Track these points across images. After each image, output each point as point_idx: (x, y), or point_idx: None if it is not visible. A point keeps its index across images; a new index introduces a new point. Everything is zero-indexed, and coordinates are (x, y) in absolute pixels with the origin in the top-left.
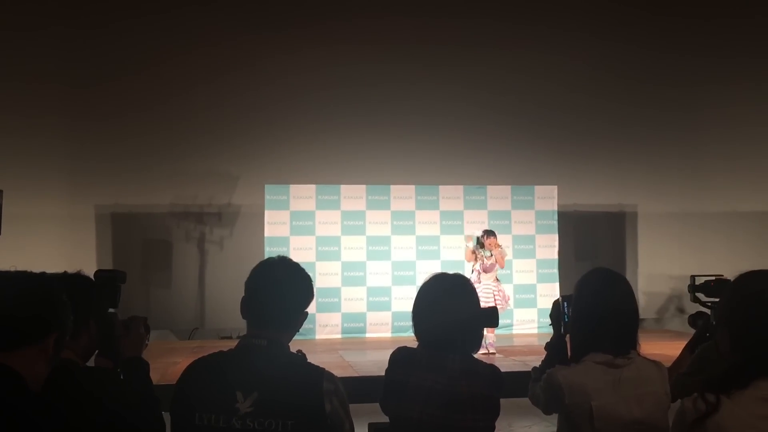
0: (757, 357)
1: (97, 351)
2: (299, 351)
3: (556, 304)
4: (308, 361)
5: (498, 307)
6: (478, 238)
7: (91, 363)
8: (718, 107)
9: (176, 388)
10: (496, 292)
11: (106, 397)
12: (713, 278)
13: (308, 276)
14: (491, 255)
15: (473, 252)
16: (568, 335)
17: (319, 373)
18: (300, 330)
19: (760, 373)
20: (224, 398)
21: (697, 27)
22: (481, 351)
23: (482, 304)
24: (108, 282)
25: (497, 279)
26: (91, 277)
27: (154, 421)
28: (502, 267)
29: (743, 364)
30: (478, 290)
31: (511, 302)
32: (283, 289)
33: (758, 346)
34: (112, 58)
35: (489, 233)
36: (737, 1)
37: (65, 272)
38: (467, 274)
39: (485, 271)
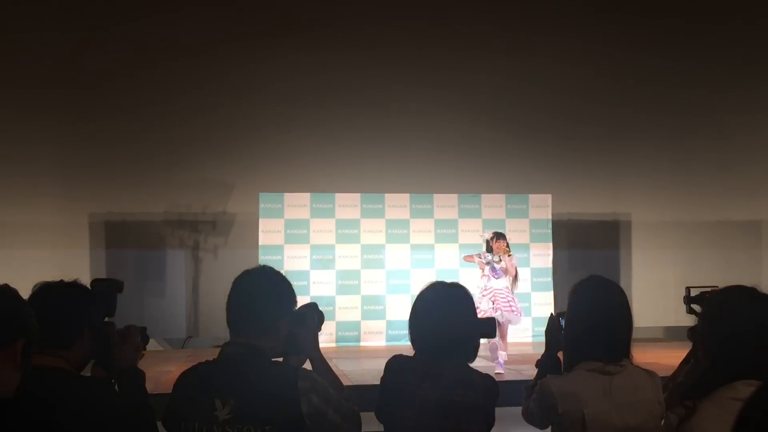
0: (726, 364)
1: (93, 361)
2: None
3: (552, 319)
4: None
5: (515, 314)
6: (487, 242)
7: (87, 373)
8: (712, 115)
9: (169, 399)
10: (511, 299)
11: (97, 406)
12: (708, 289)
13: (287, 284)
14: (500, 260)
15: (479, 256)
16: (561, 352)
17: (294, 373)
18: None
19: (731, 378)
20: (204, 406)
21: (690, 35)
22: (497, 370)
23: (502, 309)
24: (105, 291)
25: (509, 288)
26: (88, 286)
27: (147, 431)
28: (512, 275)
29: (715, 370)
30: (489, 295)
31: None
32: (257, 296)
33: (729, 354)
34: (105, 66)
35: (499, 236)
36: (730, 9)
37: (61, 281)
38: (461, 280)
39: (494, 275)
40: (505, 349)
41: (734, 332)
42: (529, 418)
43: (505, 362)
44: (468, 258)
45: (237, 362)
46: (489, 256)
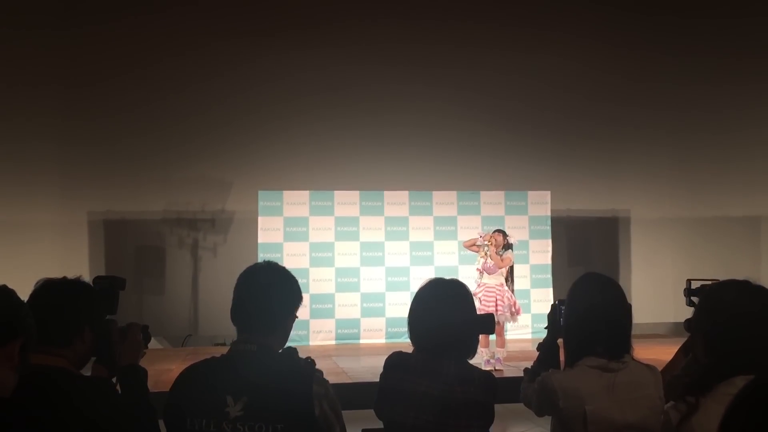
0: (727, 358)
1: (94, 359)
2: (308, 358)
3: (553, 307)
4: (316, 367)
5: (500, 313)
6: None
7: (88, 371)
8: (710, 111)
9: (169, 394)
10: (499, 299)
11: (98, 406)
12: (709, 282)
13: (295, 280)
14: (487, 246)
15: (476, 245)
16: (561, 339)
17: (309, 376)
18: (294, 336)
19: (731, 373)
20: (215, 403)
21: (689, 30)
22: (488, 367)
23: (480, 308)
24: (107, 289)
25: (505, 285)
26: (90, 283)
27: (149, 431)
28: (499, 267)
29: (715, 365)
30: (478, 291)
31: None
32: (270, 294)
33: (727, 349)
34: (103, 63)
35: (497, 231)
36: (729, 3)
37: (64, 278)
38: (461, 277)
39: (486, 271)
40: (503, 346)
41: (729, 326)
42: (528, 402)
43: (504, 359)
44: (468, 243)
45: (250, 360)
46: (485, 245)
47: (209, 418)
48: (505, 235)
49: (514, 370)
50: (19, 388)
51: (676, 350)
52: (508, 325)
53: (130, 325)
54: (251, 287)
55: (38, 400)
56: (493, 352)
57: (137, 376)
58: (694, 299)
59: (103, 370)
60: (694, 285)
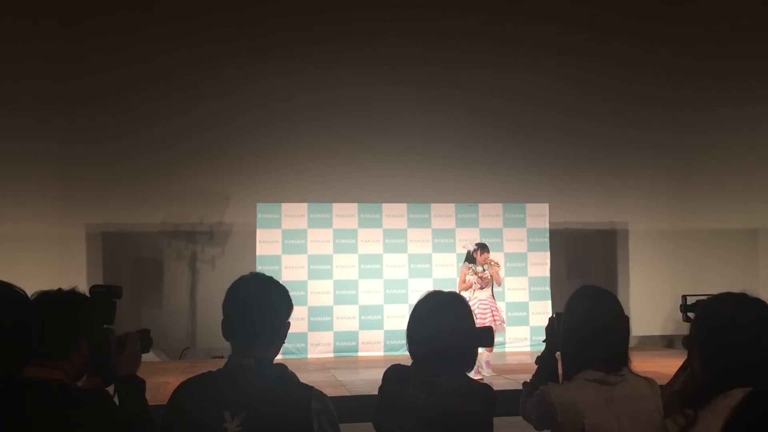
0: (725, 371)
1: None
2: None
3: (551, 320)
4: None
5: (498, 323)
6: (469, 252)
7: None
8: (707, 125)
9: (165, 409)
10: (494, 309)
11: (96, 420)
12: (704, 298)
13: (284, 289)
14: (484, 270)
15: (468, 280)
16: (558, 352)
17: (308, 391)
18: (292, 349)
19: (729, 386)
20: (212, 418)
21: (684, 48)
22: (476, 376)
23: (478, 321)
24: (103, 297)
25: (493, 297)
26: (86, 294)
27: None
28: (498, 284)
29: (713, 378)
30: (472, 306)
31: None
32: (263, 306)
33: (725, 362)
34: (103, 78)
35: (483, 248)
36: (724, 24)
37: (59, 289)
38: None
39: (481, 286)
40: (491, 350)
41: (726, 339)
42: (527, 416)
43: (502, 371)
44: (464, 286)
45: (247, 374)
46: (478, 268)
47: None
48: (488, 250)
49: (512, 383)
50: (14, 402)
51: (674, 362)
52: (506, 338)
53: (127, 334)
54: (242, 302)
55: (34, 414)
56: (479, 360)
57: (135, 386)
58: (690, 315)
59: (98, 381)
60: (690, 300)
